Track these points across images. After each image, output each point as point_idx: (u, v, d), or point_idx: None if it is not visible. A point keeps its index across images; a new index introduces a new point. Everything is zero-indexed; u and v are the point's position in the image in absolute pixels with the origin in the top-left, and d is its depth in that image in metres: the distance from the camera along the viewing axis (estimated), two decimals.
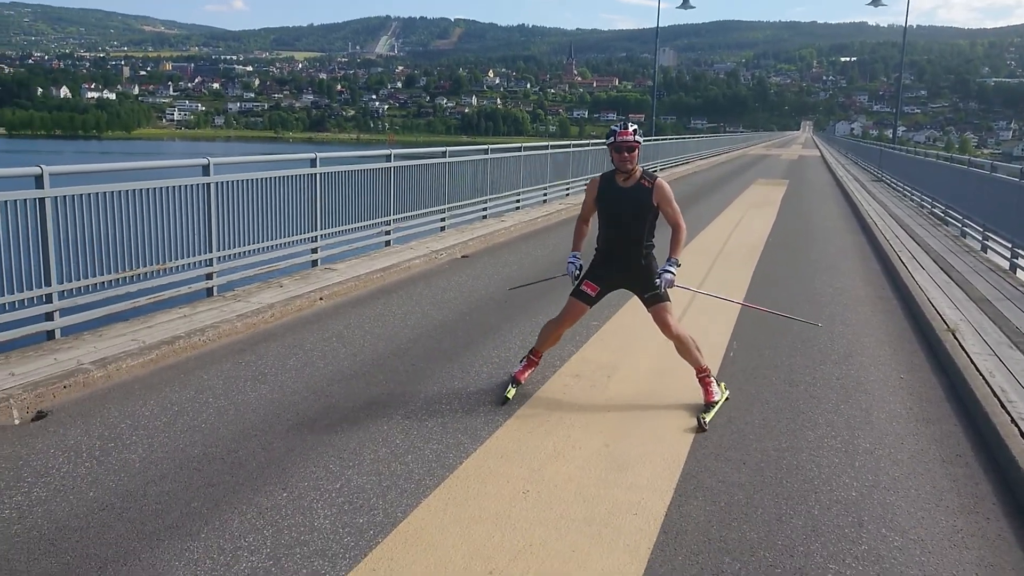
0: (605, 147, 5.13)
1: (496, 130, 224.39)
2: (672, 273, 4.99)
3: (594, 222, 5.36)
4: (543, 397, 5.40)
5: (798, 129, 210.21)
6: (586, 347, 6.59)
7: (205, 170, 7.48)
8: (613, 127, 5.03)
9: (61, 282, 6.07)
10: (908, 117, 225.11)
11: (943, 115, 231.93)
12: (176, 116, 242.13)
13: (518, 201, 15.86)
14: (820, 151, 66.10)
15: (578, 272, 5.25)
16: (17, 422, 4.80)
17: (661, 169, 30.32)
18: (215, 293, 7.68)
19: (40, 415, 4.89)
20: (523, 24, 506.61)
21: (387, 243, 10.98)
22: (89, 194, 6.26)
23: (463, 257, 11.02)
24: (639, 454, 4.51)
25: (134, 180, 6.84)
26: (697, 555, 3.47)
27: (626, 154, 4.97)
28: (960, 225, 14.35)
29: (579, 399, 5.38)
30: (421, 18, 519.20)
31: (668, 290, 5.05)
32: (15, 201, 5.69)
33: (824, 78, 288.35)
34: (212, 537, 3.51)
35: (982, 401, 5.24)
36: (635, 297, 5.32)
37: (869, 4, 33.77)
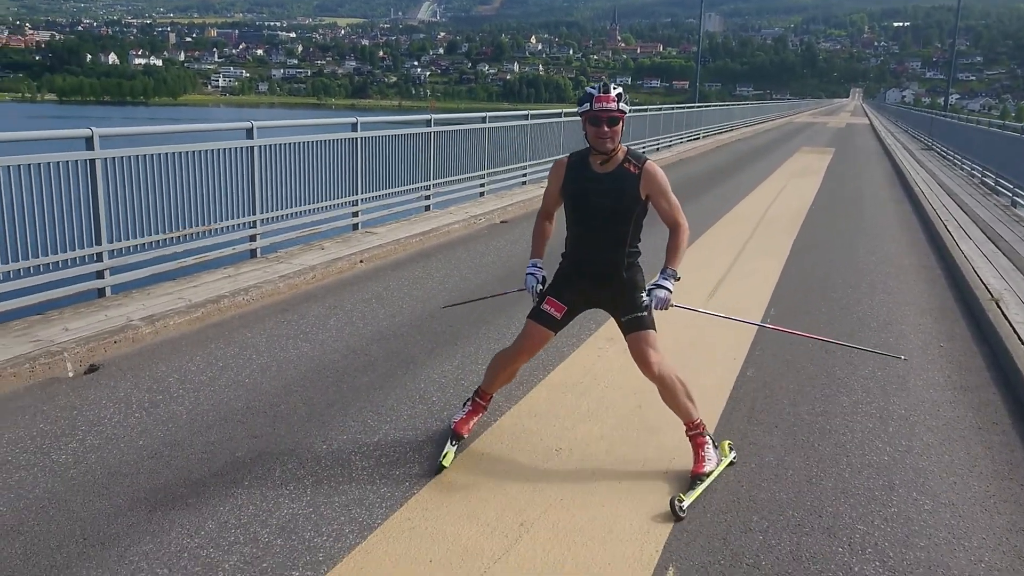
0: (581, 116, 3.68)
1: (538, 97, 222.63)
2: (667, 289, 3.68)
3: (561, 220, 4.04)
4: (577, 360, 5.46)
5: (847, 97, 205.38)
6: None
7: (249, 134, 7.61)
8: (588, 88, 3.64)
9: (111, 241, 6.26)
10: (962, 84, 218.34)
11: (999, 82, 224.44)
12: (221, 82, 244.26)
13: None
14: (869, 119, 64.58)
15: (540, 287, 3.93)
16: (71, 374, 5.00)
17: (704, 137, 29.94)
18: (258, 255, 7.84)
19: (92, 368, 5.09)
20: None
21: (427, 208, 11.07)
22: (137, 156, 6.42)
23: (502, 222, 11.07)
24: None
25: (180, 143, 6.99)
26: (725, 513, 3.52)
27: (606, 128, 3.58)
28: (1011, 195, 14.00)
29: (613, 363, 5.43)
30: None
31: (660, 311, 3.73)
32: (67, 162, 5.87)
33: (875, 44, 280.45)
34: (255, 485, 3.65)
35: (1023, 371, 5.18)
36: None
37: None
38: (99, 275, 6.25)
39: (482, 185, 12.61)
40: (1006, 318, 6.32)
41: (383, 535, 3.24)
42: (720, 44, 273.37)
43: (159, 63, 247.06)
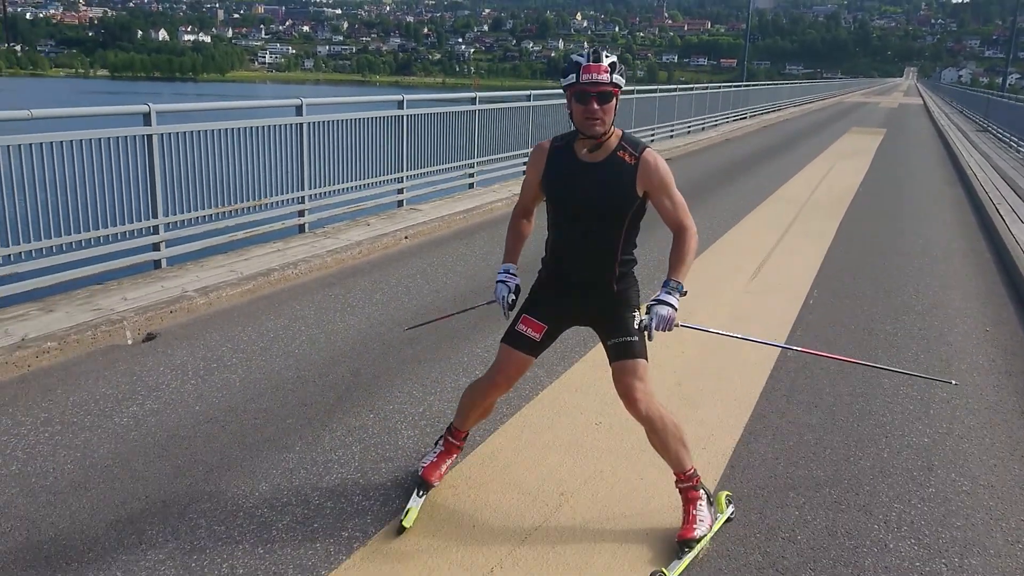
0: (570, 92, 2.94)
1: None
2: (671, 306, 3.02)
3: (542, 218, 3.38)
4: None
5: (901, 76, 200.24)
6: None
7: (298, 110, 7.76)
8: (575, 56, 2.92)
9: (167, 215, 6.46)
10: None
11: None
12: (268, 59, 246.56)
13: None
14: (923, 99, 63.00)
15: (512, 297, 3.26)
16: (130, 342, 5.21)
17: (750, 117, 29.54)
18: (306, 230, 8.01)
19: (150, 336, 5.30)
20: None
21: (470, 186, 11.16)
22: (192, 132, 6.61)
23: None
24: (710, 393, 4.62)
25: (232, 120, 7.17)
26: (762, 488, 3.58)
27: (595, 106, 2.88)
28: None
29: (655, 340, 5.47)
30: None
31: (662, 332, 3.10)
32: (126, 137, 6.07)
33: (932, 21, 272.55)
34: (305, 450, 3.80)
35: None
36: (717, 239, 5.14)
37: None
38: (155, 247, 6.46)
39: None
40: None
41: (428, 500, 3.36)
42: (770, 21, 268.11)
43: (207, 39, 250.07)
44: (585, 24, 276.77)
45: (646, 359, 3.17)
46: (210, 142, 6.79)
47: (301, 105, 7.74)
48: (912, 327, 5.98)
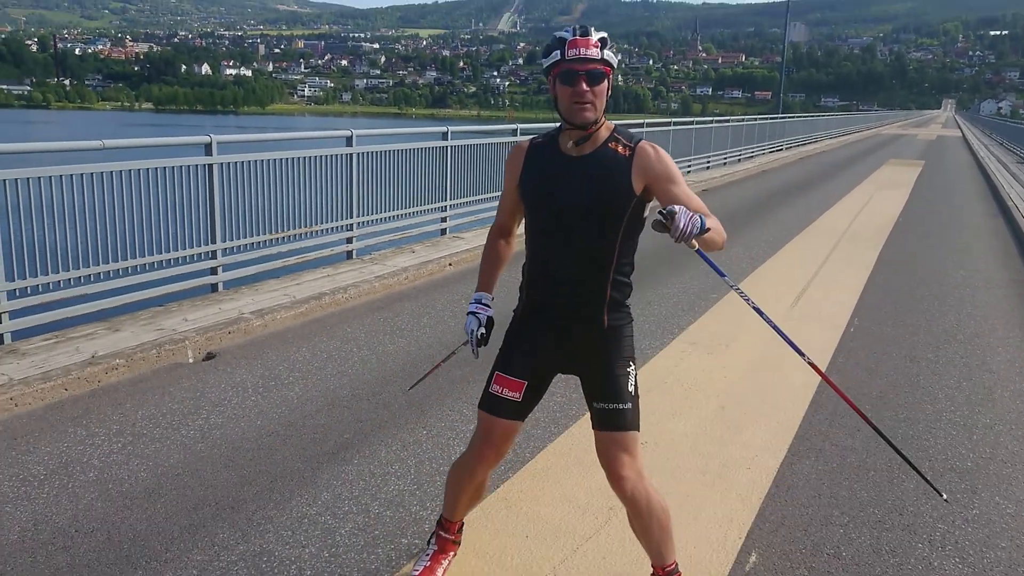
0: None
1: (616, 107, 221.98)
2: (700, 218, 2.31)
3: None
4: (661, 361, 5.65)
5: (939, 108, 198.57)
6: (704, 316, 6.78)
7: (348, 141, 8.04)
8: (559, 33, 2.48)
9: (224, 240, 6.73)
10: None
11: None
12: (307, 92, 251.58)
13: None
14: (961, 131, 62.44)
15: (483, 332, 2.78)
16: (191, 361, 5.44)
17: (787, 149, 29.57)
18: (354, 256, 8.26)
19: (210, 356, 5.52)
20: None
21: None
22: (249, 161, 6.90)
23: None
24: (754, 416, 4.71)
25: (286, 150, 7.46)
26: (807, 507, 3.67)
27: (584, 87, 2.43)
28: None
29: (696, 364, 5.59)
30: None
31: (683, 229, 2.26)
32: (190, 166, 6.36)
33: (970, 53, 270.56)
34: (364, 463, 3.97)
35: None
36: (756, 267, 5.18)
37: None
38: (212, 271, 6.73)
39: None
40: None
41: (482, 512, 3.51)
42: (805, 54, 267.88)
43: (248, 73, 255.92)
44: (620, 57, 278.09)
45: (638, 430, 2.67)
46: (266, 171, 7.08)
47: (351, 136, 8.03)
48: (954, 355, 6.02)
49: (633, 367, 2.70)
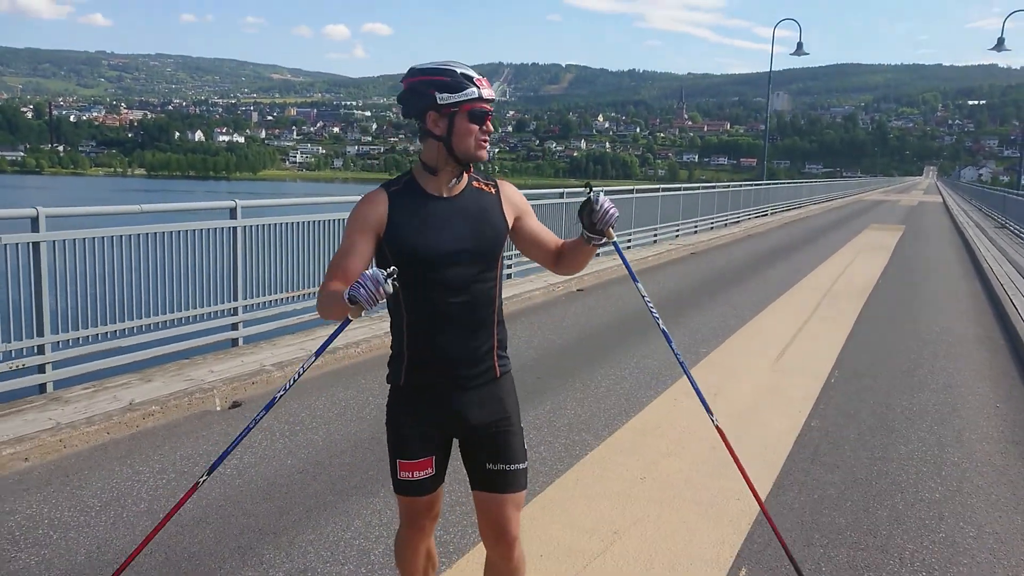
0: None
1: (604, 173, 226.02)
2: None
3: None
4: (655, 409, 6.08)
5: (920, 175, 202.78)
6: (694, 370, 7.23)
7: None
8: (459, 68, 2.40)
9: (246, 298, 7.19)
10: None
11: None
12: (298, 158, 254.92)
13: (629, 241, 16.57)
14: (942, 197, 63.99)
15: (383, 273, 2.24)
16: (219, 408, 5.85)
17: (772, 214, 30.41)
18: (362, 314, 8.70)
19: (235, 404, 5.93)
20: (634, 69, 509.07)
21: (508, 276, 11.90)
22: (270, 224, 7.40)
23: (578, 290, 11.81)
24: (742, 456, 5.10)
25: (299, 214, 7.97)
26: (790, 531, 4.08)
27: (489, 125, 2.45)
28: None
29: (687, 412, 6.03)
30: (533, 64, 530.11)
31: (607, 213, 2.47)
32: (216, 229, 6.86)
33: (949, 122, 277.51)
34: (389, 496, 4.36)
35: None
36: (743, 325, 5.62)
37: (992, 49, 33.16)
38: (234, 327, 7.16)
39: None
40: None
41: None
42: (788, 122, 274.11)
43: (241, 140, 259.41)
44: (607, 125, 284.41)
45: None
46: (285, 233, 7.58)
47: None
48: (927, 403, 6.48)
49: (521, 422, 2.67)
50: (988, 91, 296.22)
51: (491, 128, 2.46)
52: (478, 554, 3.64)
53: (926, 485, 4.77)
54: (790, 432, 5.61)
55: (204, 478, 2.53)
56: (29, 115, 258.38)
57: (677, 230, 19.38)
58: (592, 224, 2.49)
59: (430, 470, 2.57)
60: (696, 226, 20.88)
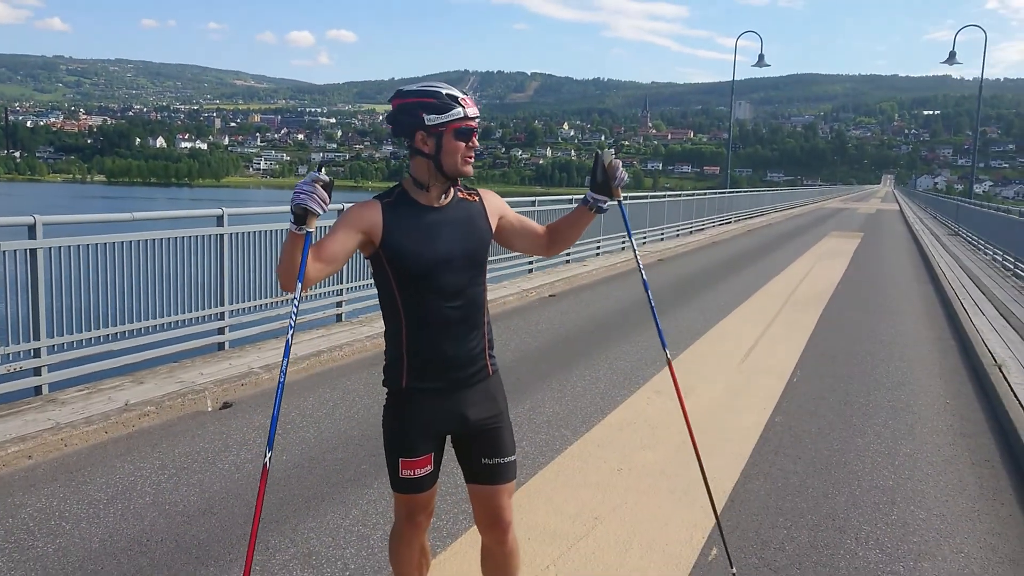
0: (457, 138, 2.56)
1: (570, 181, 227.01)
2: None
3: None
4: (630, 406, 6.41)
5: (879, 183, 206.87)
6: (666, 369, 7.57)
7: (339, 214, 8.81)
8: (443, 89, 2.56)
9: (232, 303, 7.40)
10: (996, 171, 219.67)
11: None
12: (262, 165, 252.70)
13: (598, 248, 16.95)
14: (899, 205, 65.55)
15: (322, 178, 2.48)
16: (210, 409, 6.06)
17: (736, 221, 31.07)
18: (343, 319, 8.95)
19: (226, 405, 6.14)
20: (599, 78, 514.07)
21: None
22: (252, 232, 7.62)
23: (551, 296, 12.13)
24: (712, 448, 5.47)
25: (283, 221, 8.19)
26: (756, 515, 4.42)
27: (475, 142, 2.63)
28: None
29: (661, 408, 6.37)
30: (499, 72, 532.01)
31: (618, 174, 2.79)
32: (205, 236, 7.07)
33: (906, 131, 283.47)
34: (383, 487, 4.62)
35: (1015, 420, 6.03)
36: (710, 328, 5.99)
37: (944, 63, 34.25)
38: (220, 331, 7.36)
39: (531, 263, 13.73)
40: (1006, 380, 7.17)
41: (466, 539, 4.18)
42: (751, 131, 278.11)
43: (204, 147, 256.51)
44: (572, 133, 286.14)
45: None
46: (266, 241, 7.79)
47: (343, 209, 8.79)
48: (883, 399, 6.89)
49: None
50: (943, 101, 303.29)
51: (476, 144, 2.62)
52: (471, 536, 3.91)
53: (880, 473, 5.15)
54: (756, 427, 5.97)
55: (269, 455, 2.72)
56: None
57: (644, 237, 19.82)
58: (601, 185, 2.76)
59: (429, 467, 2.73)
60: (663, 233, 21.35)
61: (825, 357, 8.41)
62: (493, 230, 2.77)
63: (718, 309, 11.18)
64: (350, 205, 2.71)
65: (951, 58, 34.26)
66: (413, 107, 2.54)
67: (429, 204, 2.63)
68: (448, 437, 2.79)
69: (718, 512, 3.58)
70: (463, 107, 2.54)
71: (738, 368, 7.81)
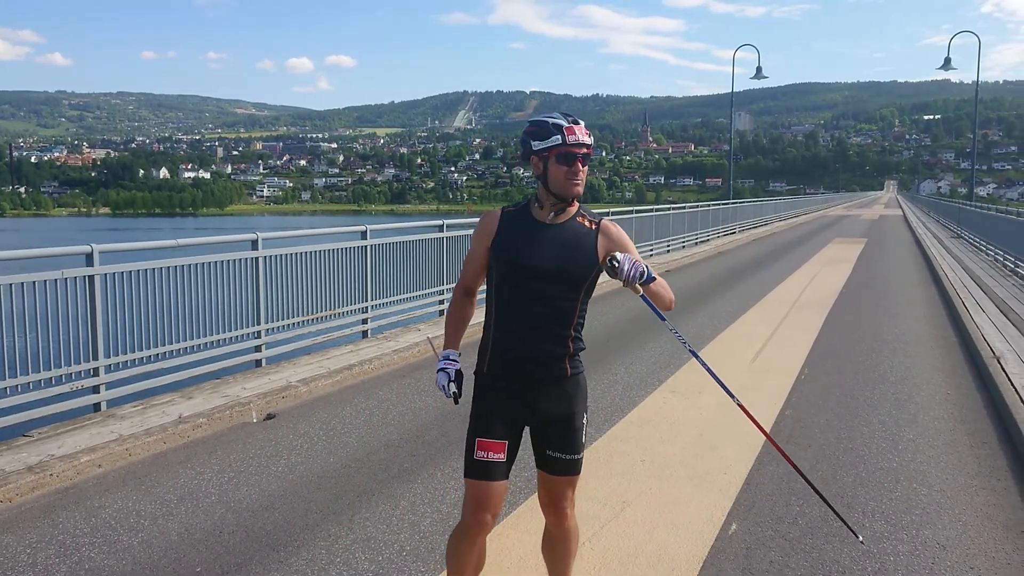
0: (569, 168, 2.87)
1: None
2: (643, 264, 2.92)
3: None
4: (648, 406, 6.81)
5: (881, 189, 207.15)
6: (680, 371, 7.99)
7: (363, 235, 9.28)
8: (550, 119, 2.88)
9: (268, 321, 7.84)
10: (999, 174, 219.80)
11: None
12: (266, 192, 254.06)
13: None
14: (903, 210, 65.90)
15: (454, 388, 3.07)
16: (255, 420, 6.48)
17: (740, 232, 31.50)
18: (369, 335, 9.38)
19: (270, 416, 6.56)
20: (597, 94, 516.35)
21: None
22: (288, 254, 8.07)
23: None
24: (727, 440, 5.87)
25: (310, 244, 8.65)
26: (771, 495, 4.82)
27: (580, 166, 2.87)
28: None
29: (676, 407, 6.77)
30: (498, 92, 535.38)
31: (629, 273, 2.88)
32: (240, 260, 7.52)
33: (907, 137, 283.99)
34: (425, 483, 5.03)
35: (1011, 406, 6.42)
36: (720, 332, 6.33)
37: (940, 68, 34.78)
38: (257, 349, 7.80)
39: None
40: (1004, 370, 7.56)
41: (526, 508, 4.58)
42: (751, 142, 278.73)
43: (207, 175, 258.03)
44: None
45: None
46: (301, 263, 8.25)
47: (366, 231, 9.27)
48: (887, 392, 7.28)
49: (586, 417, 3.08)
50: (943, 106, 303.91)
51: (579, 169, 2.86)
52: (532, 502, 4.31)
53: (885, 456, 5.54)
54: (767, 420, 6.36)
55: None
56: None
57: (651, 250, 20.25)
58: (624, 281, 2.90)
59: (502, 455, 2.92)
60: (668, 245, 21.78)
61: (831, 356, 8.81)
62: (600, 259, 2.94)
63: (727, 315, 11.58)
64: (485, 215, 3.07)
65: (946, 64, 34.76)
66: (526, 136, 2.93)
67: (541, 220, 2.93)
68: (527, 432, 3.04)
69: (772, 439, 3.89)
70: (564, 135, 2.84)
71: (748, 368, 8.21)
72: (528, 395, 2.96)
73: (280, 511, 4.61)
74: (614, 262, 2.87)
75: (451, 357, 3.11)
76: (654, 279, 2.95)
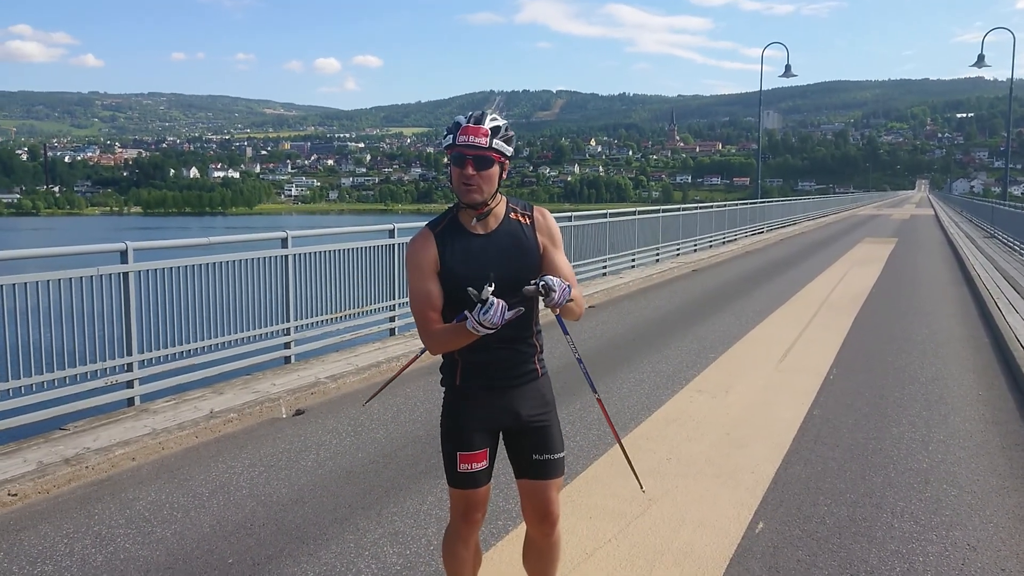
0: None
1: (599, 197, 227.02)
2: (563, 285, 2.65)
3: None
4: (675, 404, 6.81)
5: (912, 188, 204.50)
6: (707, 370, 7.97)
7: (391, 233, 9.35)
8: (458, 118, 2.71)
9: (297, 319, 7.93)
10: None
11: None
12: (294, 191, 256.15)
13: (633, 260, 17.35)
14: (934, 210, 65.01)
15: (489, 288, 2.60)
16: (285, 416, 6.56)
17: (768, 231, 31.27)
18: (396, 333, 9.45)
19: (299, 412, 6.64)
20: (624, 93, 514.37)
21: None
22: (316, 252, 8.16)
23: (590, 307, 12.54)
24: (754, 439, 5.86)
25: (339, 242, 8.73)
26: (798, 495, 4.80)
27: (471, 170, 2.68)
28: None
29: (703, 405, 6.76)
30: (524, 91, 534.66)
31: (556, 293, 2.59)
32: (270, 258, 7.62)
33: (939, 135, 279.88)
34: None
35: None
36: (747, 332, 6.26)
37: (973, 65, 34.26)
38: (286, 346, 7.89)
39: None
40: None
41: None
42: (780, 141, 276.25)
43: (236, 175, 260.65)
44: (600, 149, 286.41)
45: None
46: (328, 261, 8.34)
47: (394, 229, 9.34)
48: (917, 393, 7.21)
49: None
50: (976, 103, 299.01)
51: (472, 173, 2.64)
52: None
53: (915, 457, 5.49)
54: (795, 420, 6.33)
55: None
56: (24, 157, 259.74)
57: (678, 249, 20.18)
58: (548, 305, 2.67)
59: (485, 463, 2.91)
60: (696, 245, 21.68)
61: (860, 356, 8.73)
62: (541, 249, 2.84)
63: (754, 314, 11.52)
64: (408, 248, 2.83)
65: (979, 61, 34.24)
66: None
67: (473, 230, 2.77)
68: (501, 436, 2.97)
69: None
70: (453, 133, 2.65)
71: (776, 368, 8.16)
72: (504, 400, 2.90)
73: (310, 505, 4.68)
74: (546, 289, 2.58)
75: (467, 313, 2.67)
76: (572, 299, 2.71)
